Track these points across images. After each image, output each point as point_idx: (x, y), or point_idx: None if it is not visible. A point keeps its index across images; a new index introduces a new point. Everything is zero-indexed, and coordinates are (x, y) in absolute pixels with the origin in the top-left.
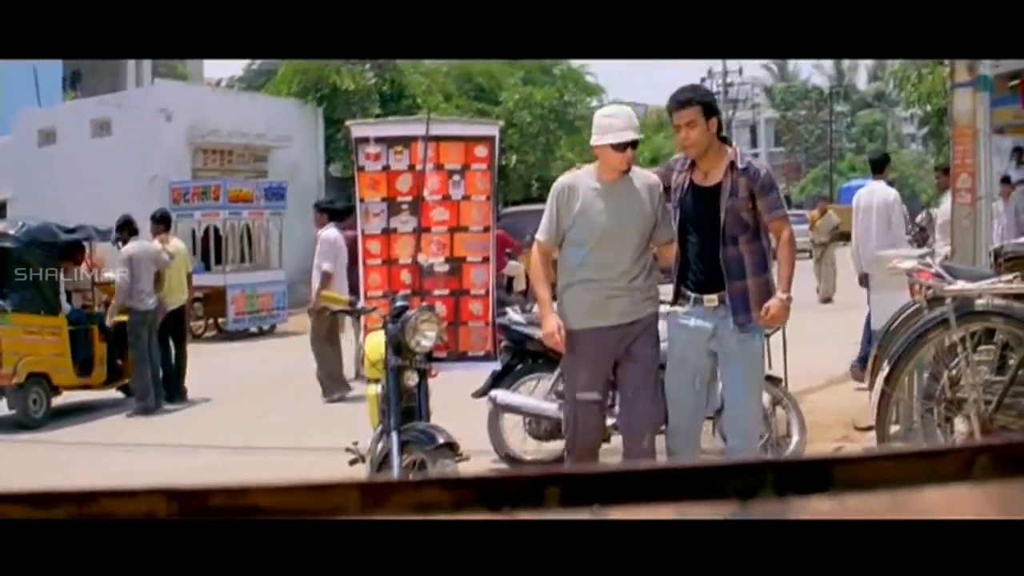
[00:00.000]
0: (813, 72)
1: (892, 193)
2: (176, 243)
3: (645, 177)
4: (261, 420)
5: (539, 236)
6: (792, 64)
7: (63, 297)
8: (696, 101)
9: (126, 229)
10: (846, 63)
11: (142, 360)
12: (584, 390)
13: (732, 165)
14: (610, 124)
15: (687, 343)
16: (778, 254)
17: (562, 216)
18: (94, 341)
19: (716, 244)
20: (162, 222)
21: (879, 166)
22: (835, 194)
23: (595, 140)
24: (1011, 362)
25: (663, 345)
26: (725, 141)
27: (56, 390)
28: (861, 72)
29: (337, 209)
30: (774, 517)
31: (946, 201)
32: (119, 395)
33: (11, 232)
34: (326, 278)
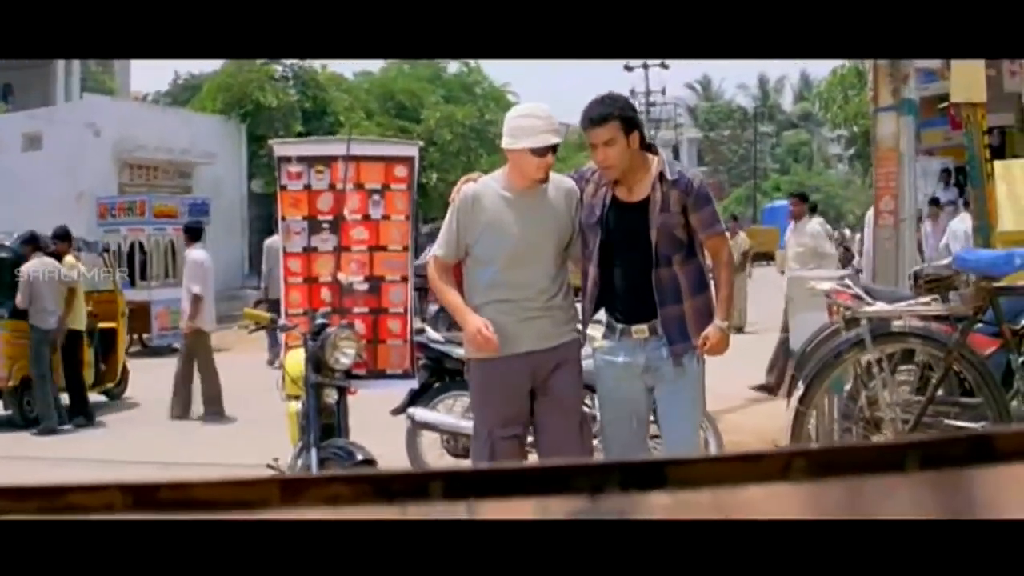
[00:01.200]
0: (738, 92)
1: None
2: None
3: (560, 182)
4: (185, 436)
5: (436, 251)
6: (717, 84)
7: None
8: (613, 116)
9: (31, 244)
10: (772, 83)
11: (43, 379)
12: (502, 425)
13: (661, 177)
14: (530, 125)
15: (619, 379)
16: (716, 276)
17: (465, 229)
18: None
19: (647, 267)
20: (65, 239)
21: None
22: (759, 214)
23: (510, 144)
24: (933, 382)
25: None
26: (650, 150)
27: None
28: (787, 93)
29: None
30: (618, 510)
31: (799, 232)
32: (102, 398)
33: (5, 243)
34: (196, 301)
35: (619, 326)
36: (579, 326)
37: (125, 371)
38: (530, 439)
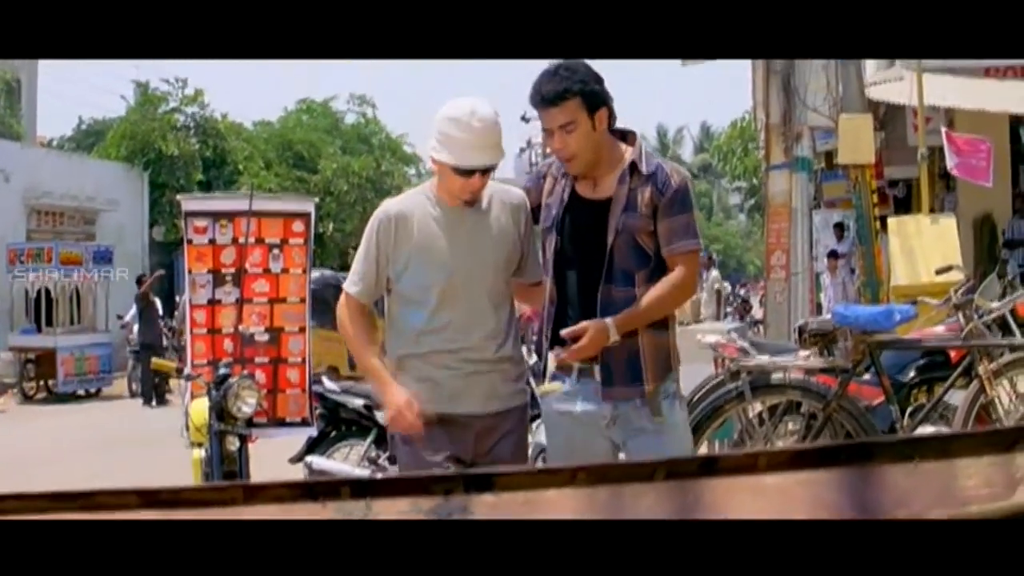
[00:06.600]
0: None
1: None
2: None
3: (505, 193)
4: (89, 483)
5: (349, 287)
6: None
7: None
8: (573, 92)
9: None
10: (671, 135)
11: None
12: None
13: (633, 168)
14: (459, 140)
15: (576, 434)
16: (657, 285)
17: (387, 257)
18: None
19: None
20: None
21: None
22: None
23: (433, 151)
24: (813, 432)
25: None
26: (624, 138)
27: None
28: (687, 144)
29: None
30: (462, 505)
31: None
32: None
33: (314, 277)
34: None
35: (576, 364)
36: (531, 379)
37: None
38: None
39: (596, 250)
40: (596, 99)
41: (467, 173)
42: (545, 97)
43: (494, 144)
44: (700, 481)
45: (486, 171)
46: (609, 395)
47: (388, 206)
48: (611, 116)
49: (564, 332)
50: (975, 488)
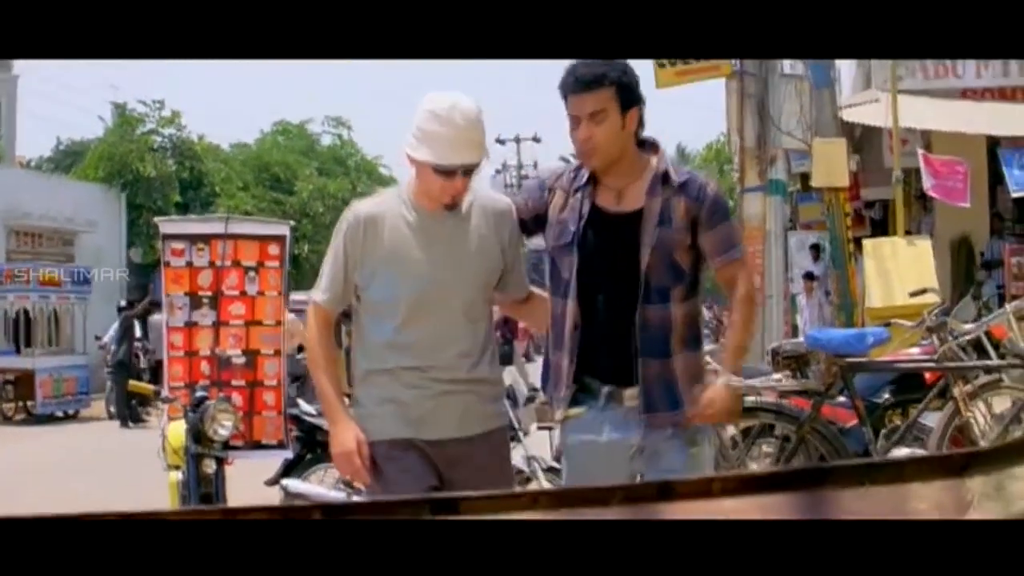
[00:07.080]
0: None
1: None
2: None
3: (489, 200)
4: (66, 505)
5: (317, 295)
6: None
7: None
8: (609, 80)
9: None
10: None
11: None
12: None
13: (665, 178)
14: (440, 136)
15: (599, 465)
16: (731, 314)
17: (355, 263)
18: None
19: (635, 302)
20: None
21: None
22: None
23: (411, 149)
24: (786, 454)
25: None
26: (643, 145)
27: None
28: None
29: None
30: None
31: None
32: None
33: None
34: None
35: (604, 388)
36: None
37: None
38: None
39: (627, 267)
40: (631, 96)
41: (448, 173)
42: (580, 79)
43: (477, 142)
44: (656, 505)
45: (468, 172)
46: (653, 421)
47: (358, 207)
48: (641, 121)
49: (693, 415)
50: (926, 512)
